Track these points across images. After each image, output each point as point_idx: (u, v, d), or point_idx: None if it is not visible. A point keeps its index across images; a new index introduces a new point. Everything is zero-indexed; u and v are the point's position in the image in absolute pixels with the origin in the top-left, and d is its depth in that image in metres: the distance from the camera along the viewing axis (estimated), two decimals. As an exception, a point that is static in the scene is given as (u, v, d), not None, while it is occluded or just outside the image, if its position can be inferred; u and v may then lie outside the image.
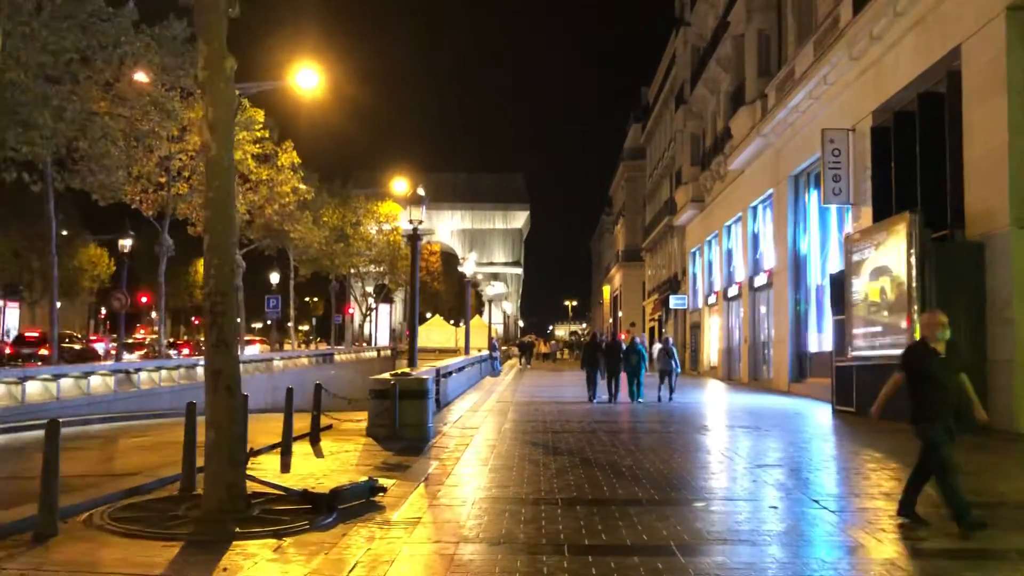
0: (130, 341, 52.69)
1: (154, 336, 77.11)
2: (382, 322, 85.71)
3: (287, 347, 57.01)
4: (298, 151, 40.18)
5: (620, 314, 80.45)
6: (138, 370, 24.46)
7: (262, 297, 46.58)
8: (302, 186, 38.73)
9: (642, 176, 71.61)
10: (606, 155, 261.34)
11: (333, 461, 11.32)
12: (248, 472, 9.06)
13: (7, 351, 32.63)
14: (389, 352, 65.66)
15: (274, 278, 45.22)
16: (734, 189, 35.25)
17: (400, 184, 36.77)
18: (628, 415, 19.52)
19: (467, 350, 39.06)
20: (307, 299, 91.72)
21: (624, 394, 22.40)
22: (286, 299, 49.58)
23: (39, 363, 32.18)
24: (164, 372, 26.22)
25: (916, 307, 15.40)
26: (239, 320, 46.01)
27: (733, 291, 36.45)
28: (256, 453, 11.68)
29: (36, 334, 36.49)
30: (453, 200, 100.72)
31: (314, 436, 13.03)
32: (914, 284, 15.52)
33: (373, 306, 74.34)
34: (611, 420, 18.12)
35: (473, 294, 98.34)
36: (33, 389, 19.22)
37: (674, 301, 48.31)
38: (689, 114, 43.95)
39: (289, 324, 54.70)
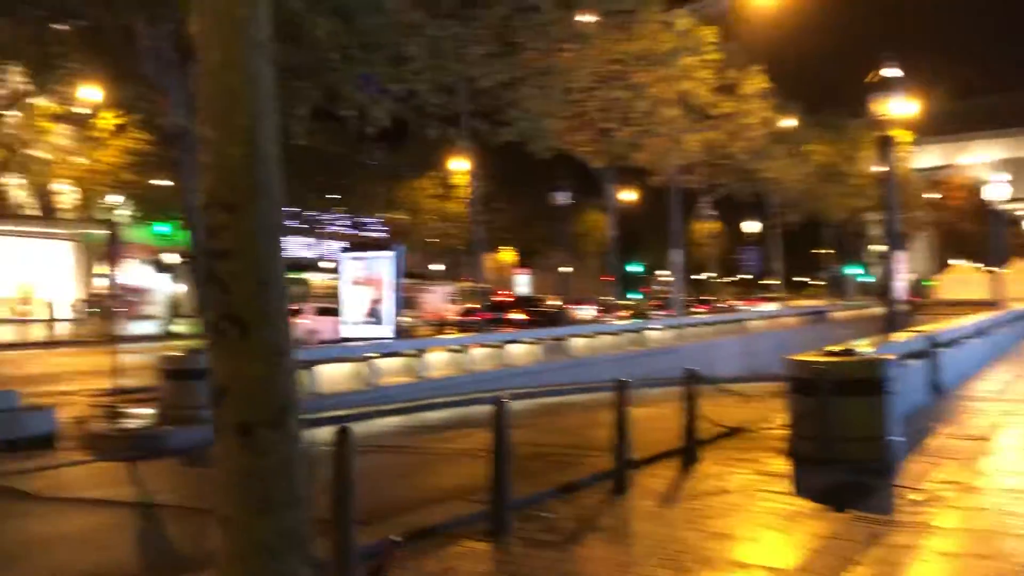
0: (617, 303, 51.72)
1: (660, 297, 76.48)
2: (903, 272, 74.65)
3: (775, 304, 51.09)
4: (775, 79, 34.40)
5: None
6: (569, 336, 21.52)
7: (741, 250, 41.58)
8: (772, 115, 32.87)
9: None
10: None
11: (679, 513, 6.32)
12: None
13: (483, 316, 32.73)
14: (907, 307, 55.94)
15: (751, 227, 39.93)
16: None
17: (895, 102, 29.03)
18: None
19: (996, 304, 29.85)
20: (815, 251, 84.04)
21: None
22: (771, 249, 44.00)
23: (511, 327, 31.61)
24: (609, 339, 23.08)
25: None
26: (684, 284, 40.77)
27: None
28: (567, 490, 7.15)
29: (510, 298, 36.45)
30: (990, 127, 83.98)
31: (688, 451, 8.09)
32: None
33: (885, 254, 64.56)
34: None
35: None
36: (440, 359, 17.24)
37: None
38: None
39: (770, 279, 48.69)
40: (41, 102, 34.17)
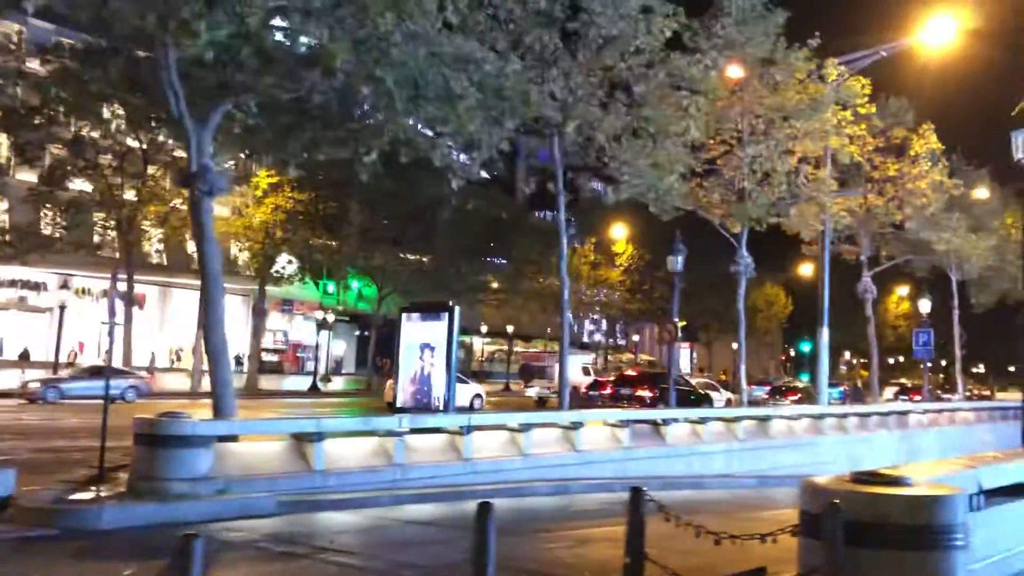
0: (788, 384, 47.59)
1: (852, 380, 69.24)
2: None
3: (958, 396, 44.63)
4: (949, 139, 30.41)
5: None
6: (664, 420, 18.47)
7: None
8: (946, 180, 28.69)
9: None
10: None
11: None
12: None
13: (607, 391, 30.19)
14: None
15: (924, 307, 34.91)
16: None
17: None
18: None
19: None
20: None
21: None
22: (947, 334, 38.58)
23: (637, 405, 28.85)
24: (720, 426, 19.88)
25: None
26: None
27: None
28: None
29: (635, 373, 33.56)
30: None
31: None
32: None
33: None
34: None
35: None
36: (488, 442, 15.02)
37: None
38: None
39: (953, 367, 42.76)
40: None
